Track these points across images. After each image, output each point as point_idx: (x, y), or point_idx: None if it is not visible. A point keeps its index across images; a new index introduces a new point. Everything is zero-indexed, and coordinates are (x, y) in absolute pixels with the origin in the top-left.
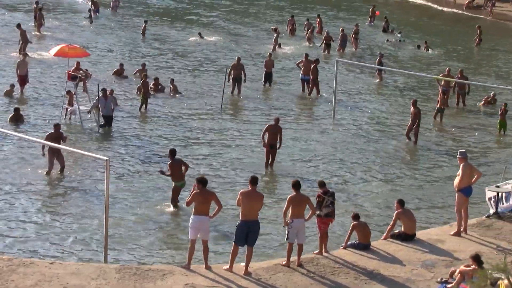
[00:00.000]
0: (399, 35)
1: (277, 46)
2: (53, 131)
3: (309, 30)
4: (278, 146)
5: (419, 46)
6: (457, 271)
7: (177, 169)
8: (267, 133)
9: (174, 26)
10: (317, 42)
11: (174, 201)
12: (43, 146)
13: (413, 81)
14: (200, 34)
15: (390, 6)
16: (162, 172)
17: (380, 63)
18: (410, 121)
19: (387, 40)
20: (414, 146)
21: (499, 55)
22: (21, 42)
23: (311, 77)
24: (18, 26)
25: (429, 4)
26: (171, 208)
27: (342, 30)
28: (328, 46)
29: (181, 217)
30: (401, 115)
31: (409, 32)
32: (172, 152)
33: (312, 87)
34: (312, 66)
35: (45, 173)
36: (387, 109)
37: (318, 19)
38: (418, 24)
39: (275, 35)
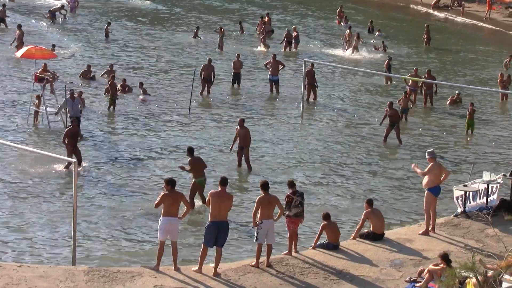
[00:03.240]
0: (378, 33)
1: (223, 46)
2: (71, 126)
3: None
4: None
5: (375, 47)
6: (426, 270)
7: (197, 165)
8: (238, 138)
9: (140, 27)
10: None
11: (192, 198)
12: (63, 141)
13: (377, 81)
14: (198, 28)
15: (359, 4)
16: (183, 168)
17: (389, 66)
18: (388, 125)
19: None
20: (394, 146)
21: (446, 54)
22: (17, 43)
23: (308, 81)
24: (19, 27)
25: (396, 2)
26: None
27: (295, 29)
28: (289, 43)
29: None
30: (370, 115)
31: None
32: (190, 150)
33: (309, 90)
34: (307, 70)
35: (64, 167)
36: (357, 110)
37: (267, 18)
38: (382, 24)
39: (219, 35)
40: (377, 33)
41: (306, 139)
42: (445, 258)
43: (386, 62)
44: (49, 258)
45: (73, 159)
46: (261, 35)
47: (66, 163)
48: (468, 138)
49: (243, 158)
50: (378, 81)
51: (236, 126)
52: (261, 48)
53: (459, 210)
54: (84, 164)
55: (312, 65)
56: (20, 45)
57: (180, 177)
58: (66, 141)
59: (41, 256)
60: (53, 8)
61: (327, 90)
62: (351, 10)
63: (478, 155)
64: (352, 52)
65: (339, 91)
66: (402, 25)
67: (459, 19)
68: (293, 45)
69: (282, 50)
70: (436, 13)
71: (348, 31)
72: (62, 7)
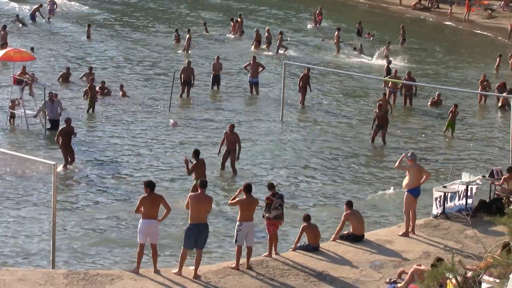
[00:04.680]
0: (371, 38)
1: (189, 48)
2: (65, 125)
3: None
4: (237, 152)
5: (355, 48)
6: (410, 272)
7: (200, 168)
8: (225, 141)
9: (119, 29)
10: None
11: None
12: (57, 140)
13: (358, 84)
14: (177, 30)
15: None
16: (187, 162)
17: (388, 70)
18: (376, 126)
19: (322, 40)
20: (374, 148)
21: (423, 54)
22: (1, 43)
23: (302, 85)
24: (4, 28)
25: (375, 4)
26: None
27: (268, 30)
28: (259, 43)
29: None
30: (348, 118)
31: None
32: (196, 153)
33: (303, 94)
34: (301, 75)
35: (61, 167)
36: (336, 112)
37: (240, 19)
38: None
39: (187, 36)
40: (366, 35)
41: (287, 141)
42: (434, 263)
43: (386, 66)
44: (28, 261)
45: (52, 162)
46: (236, 35)
47: (62, 164)
48: (447, 140)
49: (227, 162)
50: (375, 85)
51: (226, 129)
52: (281, 51)
53: (436, 211)
54: (70, 166)
55: (308, 69)
56: (4, 45)
57: (160, 178)
58: (60, 140)
59: (20, 258)
60: (33, 9)
61: (314, 93)
62: (329, 12)
63: (458, 156)
64: (338, 52)
65: (325, 93)
66: (380, 26)
67: (438, 20)
68: (265, 45)
69: (253, 49)
70: (415, 14)
71: (336, 32)
72: (41, 6)
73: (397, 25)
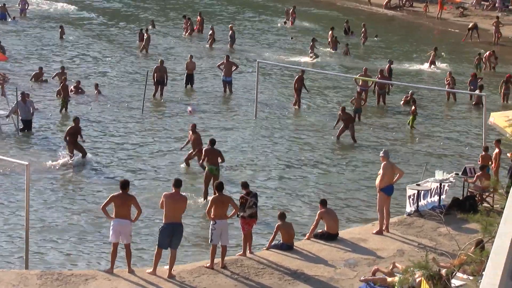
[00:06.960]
0: (375, 38)
1: (148, 48)
2: (73, 124)
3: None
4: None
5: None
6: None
7: (213, 155)
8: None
9: (94, 28)
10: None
11: (205, 188)
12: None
13: (330, 82)
14: (141, 30)
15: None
16: (201, 165)
17: (390, 70)
18: (343, 125)
19: (292, 38)
20: (348, 146)
21: (389, 53)
22: None
23: (297, 87)
24: None
25: (344, 3)
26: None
27: (231, 28)
28: (213, 40)
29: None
30: (321, 116)
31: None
32: (212, 142)
33: (298, 96)
34: (297, 77)
35: (67, 159)
36: (309, 110)
37: (199, 18)
38: (332, 24)
39: (145, 35)
40: (349, 34)
41: (260, 140)
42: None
43: (387, 66)
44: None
45: (25, 162)
46: (185, 34)
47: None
48: (417, 139)
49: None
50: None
51: (189, 130)
52: (310, 59)
53: (409, 209)
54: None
55: (303, 71)
56: None
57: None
58: (67, 138)
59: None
60: (1, 7)
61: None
62: (301, 11)
63: (430, 154)
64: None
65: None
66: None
67: (410, 18)
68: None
69: (207, 46)
70: (388, 13)
71: (330, 32)
72: (4, 4)
73: (376, 24)
